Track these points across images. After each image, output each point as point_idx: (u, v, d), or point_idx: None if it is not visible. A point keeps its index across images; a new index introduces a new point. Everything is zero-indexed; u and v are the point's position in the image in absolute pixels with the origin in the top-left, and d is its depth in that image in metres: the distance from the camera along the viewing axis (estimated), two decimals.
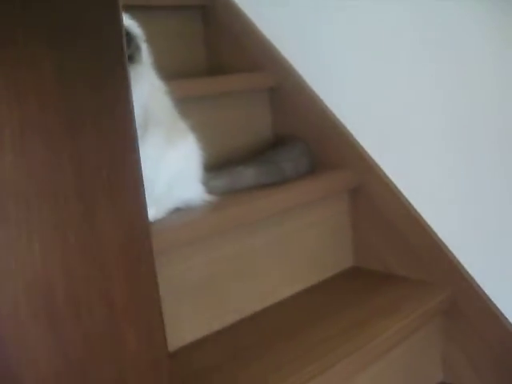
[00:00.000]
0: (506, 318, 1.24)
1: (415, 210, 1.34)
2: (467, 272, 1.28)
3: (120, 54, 0.57)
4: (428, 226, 1.33)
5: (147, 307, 0.55)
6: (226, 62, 1.64)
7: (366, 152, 1.40)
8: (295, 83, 1.49)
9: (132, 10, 1.06)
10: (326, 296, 1.32)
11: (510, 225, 1.23)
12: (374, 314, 1.20)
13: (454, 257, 1.30)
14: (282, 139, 1.54)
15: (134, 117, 0.55)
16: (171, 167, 1.16)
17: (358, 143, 1.41)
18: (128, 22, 1.06)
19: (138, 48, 1.06)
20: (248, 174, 1.32)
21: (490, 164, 1.25)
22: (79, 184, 0.51)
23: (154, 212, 1.10)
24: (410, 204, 1.35)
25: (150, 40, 1.10)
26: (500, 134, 1.24)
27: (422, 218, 1.33)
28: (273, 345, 1.11)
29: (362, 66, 1.38)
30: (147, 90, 1.08)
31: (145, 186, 0.58)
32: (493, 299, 1.25)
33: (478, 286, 1.26)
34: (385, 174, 1.38)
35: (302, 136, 1.50)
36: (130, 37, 1.03)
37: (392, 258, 1.40)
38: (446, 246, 1.30)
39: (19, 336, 0.49)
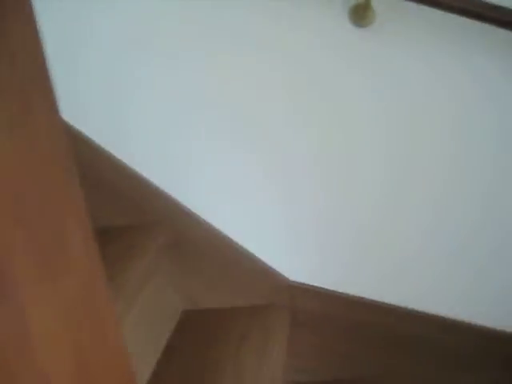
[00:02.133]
0: (234, 241, 1.39)
1: (123, 163, 1.37)
2: (186, 207, 1.38)
3: None
4: (139, 175, 1.37)
5: (77, 202, 0.55)
6: None
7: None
8: None
9: None
10: None
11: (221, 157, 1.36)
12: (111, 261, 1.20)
13: (171, 197, 1.38)
14: None
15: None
16: None
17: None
18: None
19: None
20: None
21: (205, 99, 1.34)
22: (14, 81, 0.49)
23: None
24: (114, 157, 1.37)
25: None
26: None
27: (133, 169, 1.37)
28: None
29: None
30: None
31: None
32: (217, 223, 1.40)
33: (199, 216, 1.38)
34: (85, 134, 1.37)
35: None
36: None
37: (114, 212, 1.40)
38: (160, 189, 1.38)
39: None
